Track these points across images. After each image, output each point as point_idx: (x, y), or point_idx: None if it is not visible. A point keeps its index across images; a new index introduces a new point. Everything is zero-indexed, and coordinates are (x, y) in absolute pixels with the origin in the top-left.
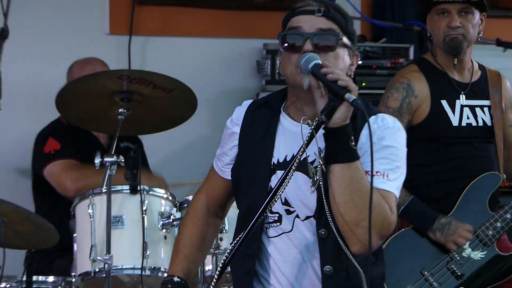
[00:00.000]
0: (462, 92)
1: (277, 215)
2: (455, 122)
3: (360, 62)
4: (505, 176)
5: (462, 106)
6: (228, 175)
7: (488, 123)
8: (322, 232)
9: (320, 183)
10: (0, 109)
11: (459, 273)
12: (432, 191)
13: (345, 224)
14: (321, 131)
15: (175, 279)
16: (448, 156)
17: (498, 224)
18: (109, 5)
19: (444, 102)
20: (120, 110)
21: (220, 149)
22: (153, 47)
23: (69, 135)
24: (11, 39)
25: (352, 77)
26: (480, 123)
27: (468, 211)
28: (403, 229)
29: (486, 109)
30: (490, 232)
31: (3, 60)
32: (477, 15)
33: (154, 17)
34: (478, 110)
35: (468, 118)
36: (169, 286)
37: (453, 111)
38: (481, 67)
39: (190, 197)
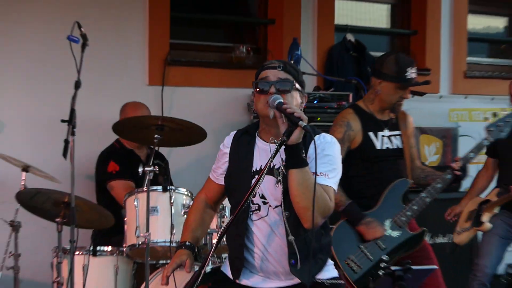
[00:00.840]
0: (385, 127)
1: (257, 205)
2: (378, 147)
3: (315, 104)
4: (412, 181)
5: (382, 136)
6: (221, 182)
7: (400, 146)
8: (286, 214)
9: (281, 180)
10: (75, 135)
11: (383, 246)
12: (365, 192)
13: (299, 209)
14: (283, 147)
15: (187, 243)
16: (374, 170)
17: (409, 213)
18: (148, 65)
19: (371, 134)
20: (155, 136)
21: (215, 164)
22: (178, 94)
23: (122, 157)
24: (82, 87)
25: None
26: (395, 146)
27: (387, 205)
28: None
29: (398, 137)
30: (403, 218)
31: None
32: None
33: (179, 74)
34: (393, 138)
35: (387, 143)
36: (183, 247)
37: (377, 139)
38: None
39: None
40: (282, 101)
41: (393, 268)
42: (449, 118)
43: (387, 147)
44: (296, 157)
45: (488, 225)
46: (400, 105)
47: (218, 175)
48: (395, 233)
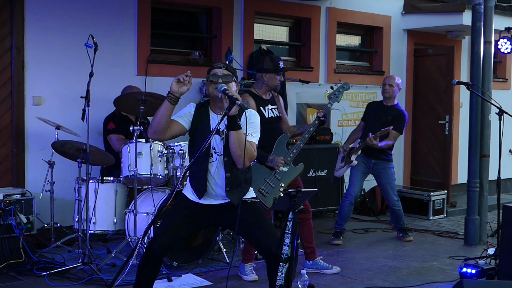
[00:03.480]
0: (268, 103)
1: (211, 153)
2: (267, 115)
3: (242, 88)
4: (289, 134)
5: (268, 109)
6: (182, 123)
7: (278, 114)
8: (225, 159)
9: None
10: (90, 106)
11: (279, 178)
12: (263, 143)
13: (236, 156)
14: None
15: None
16: (266, 130)
17: (291, 155)
18: (137, 63)
19: (261, 108)
20: (141, 107)
21: (182, 113)
22: (155, 81)
23: (119, 120)
24: (94, 76)
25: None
26: (275, 115)
27: (278, 150)
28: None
29: (275, 109)
30: (289, 158)
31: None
32: None
33: (156, 69)
34: (274, 110)
35: (271, 113)
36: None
37: (265, 111)
38: (272, 92)
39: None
40: (226, 87)
41: (289, 190)
42: (324, 98)
43: (271, 116)
44: (234, 123)
45: (355, 162)
46: (279, 85)
47: (182, 121)
48: (285, 168)
